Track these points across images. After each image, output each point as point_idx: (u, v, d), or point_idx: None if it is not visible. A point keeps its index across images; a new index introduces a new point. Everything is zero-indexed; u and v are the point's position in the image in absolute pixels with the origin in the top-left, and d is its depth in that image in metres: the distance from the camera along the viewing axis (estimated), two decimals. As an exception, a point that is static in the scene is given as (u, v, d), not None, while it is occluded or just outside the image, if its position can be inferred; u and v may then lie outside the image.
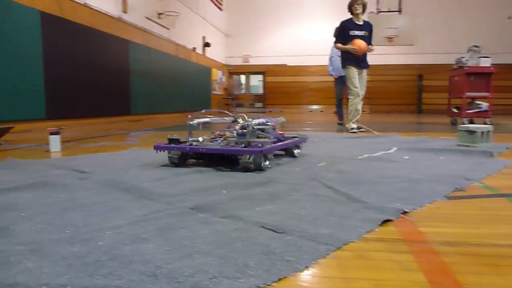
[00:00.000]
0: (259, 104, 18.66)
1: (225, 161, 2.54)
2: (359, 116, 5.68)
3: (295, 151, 2.96)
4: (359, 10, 5.58)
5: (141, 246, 1.15)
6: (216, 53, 16.62)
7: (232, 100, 18.00)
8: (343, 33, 5.66)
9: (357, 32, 5.57)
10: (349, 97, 5.68)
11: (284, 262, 1.05)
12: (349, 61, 5.63)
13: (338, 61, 7.31)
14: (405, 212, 1.53)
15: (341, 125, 7.35)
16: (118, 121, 8.55)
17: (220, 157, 2.56)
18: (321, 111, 17.10)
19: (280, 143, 2.67)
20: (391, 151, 3.29)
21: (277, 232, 1.27)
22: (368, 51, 5.62)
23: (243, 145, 2.45)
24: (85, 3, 7.53)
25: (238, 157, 2.37)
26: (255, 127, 2.62)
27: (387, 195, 1.78)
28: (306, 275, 1.01)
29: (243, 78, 18.96)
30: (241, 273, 0.98)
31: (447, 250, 1.16)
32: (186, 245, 1.16)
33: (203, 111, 3.07)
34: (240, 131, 2.62)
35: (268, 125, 2.80)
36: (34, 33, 6.10)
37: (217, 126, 2.73)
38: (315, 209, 1.55)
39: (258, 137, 2.63)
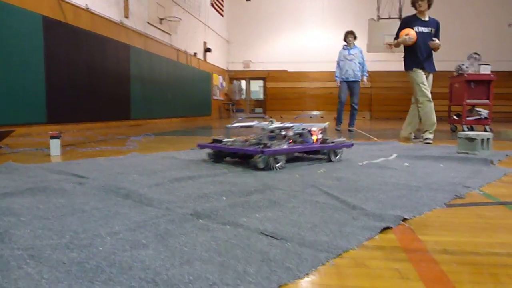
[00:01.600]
0: (260, 110, 18.69)
1: (247, 159, 2.85)
2: (435, 126, 5.04)
3: (333, 157, 3.10)
4: (424, 7, 4.98)
5: (140, 252, 1.15)
6: (217, 59, 16.67)
7: (233, 106, 18.03)
8: (405, 29, 5.06)
9: (421, 29, 5.04)
10: (419, 104, 5.10)
11: (284, 269, 1.06)
12: (414, 63, 5.08)
13: (345, 65, 7.34)
14: (404, 220, 1.53)
15: (338, 131, 7.35)
16: (118, 126, 8.56)
17: (243, 156, 2.92)
18: (321, 117, 17.13)
19: (289, 148, 2.81)
20: (390, 158, 3.29)
21: (276, 239, 1.28)
22: (434, 47, 5.02)
23: (259, 146, 2.72)
24: (88, 8, 7.57)
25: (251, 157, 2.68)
26: (284, 131, 2.96)
27: (386, 202, 1.78)
28: (306, 282, 1.01)
29: (243, 83, 19.00)
30: (241, 280, 0.98)
31: (446, 259, 1.16)
32: (186, 252, 1.16)
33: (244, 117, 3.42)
34: (270, 134, 2.89)
35: (304, 130, 3.11)
36: (36, 38, 6.13)
37: (257, 130, 3.18)
38: (314, 216, 1.55)
39: (275, 141, 2.86)
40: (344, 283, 1.00)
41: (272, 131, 2.86)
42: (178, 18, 11.68)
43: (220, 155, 3.02)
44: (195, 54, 13.83)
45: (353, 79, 7.35)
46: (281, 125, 2.94)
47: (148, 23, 10.22)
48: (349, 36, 7.40)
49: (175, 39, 11.97)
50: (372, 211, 1.60)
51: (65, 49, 6.83)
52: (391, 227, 1.44)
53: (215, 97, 16.16)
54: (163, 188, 2.01)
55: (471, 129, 6.97)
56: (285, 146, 2.75)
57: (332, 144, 3.08)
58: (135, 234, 1.31)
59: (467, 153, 3.48)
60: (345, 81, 7.40)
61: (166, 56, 11.25)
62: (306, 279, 1.02)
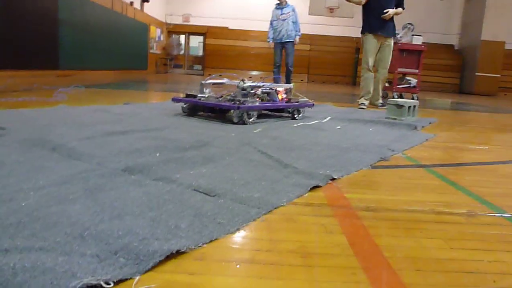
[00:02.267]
0: (198, 66, 18.25)
1: (221, 114, 3.03)
2: (370, 94, 4.89)
3: (296, 115, 3.41)
4: None
5: (67, 207, 1.10)
6: (155, 10, 15.83)
7: (170, 61, 17.42)
8: None
9: None
10: (362, 71, 4.96)
11: (215, 224, 1.07)
12: (367, 26, 4.80)
13: (279, 25, 7.28)
14: (333, 179, 1.61)
15: None
16: (45, 75, 7.96)
17: (219, 110, 3.07)
18: (261, 78, 17.13)
19: (261, 104, 3.11)
20: (324, 120, 3.40)
21: (209, 195, 1.29)
22: (387, 18, 4.66)
23: (232, 102, 2.94)
24: None
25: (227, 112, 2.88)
26: (251, 90, 3.10)
27: (317, 162, 1.85)
28: (237, 237, 1.04)
29: (182, 38, 18.33)
30: (172, 235, 0.98)
31: (367, 215, 1.25)
32: (116, 207, 1.13)
33: (218, 74, 3.65)
34: (242, 92, 3.07)
35: (272, 89, 3.33)
36: None
37: (229, 87, 3.44)
38: (248, 173, 1.58)
39: (248, 98, 3.04)
40: (273, 237, 1.05)
41: (244, 89, 3.05)
42: (113, -39, 10.82)
43: (194, 109, 3.22)
44: (131, 3, 13.01)
45: (287, 40, 7.33)
46: (253, 83, 3.17)
47: (79, -36, 9.36)
48: None
49: (109, -15, 11.13)
50: (303, 170, 1.66)
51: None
52: (320, 186, 1.51)
53: (152, 51, 15.48)
54: (94, 142, 1.93)
55: (401, 97, 7.36)
56: (257, 103, 3.05)
57: (297, 103, 3.43)
58: (61, 189, 1.25)
59: (395, 119, 3.69)
60: (279, 42, 7.38)
61: (99, 3, 10.48)
62: (237, 233, 1.05)
